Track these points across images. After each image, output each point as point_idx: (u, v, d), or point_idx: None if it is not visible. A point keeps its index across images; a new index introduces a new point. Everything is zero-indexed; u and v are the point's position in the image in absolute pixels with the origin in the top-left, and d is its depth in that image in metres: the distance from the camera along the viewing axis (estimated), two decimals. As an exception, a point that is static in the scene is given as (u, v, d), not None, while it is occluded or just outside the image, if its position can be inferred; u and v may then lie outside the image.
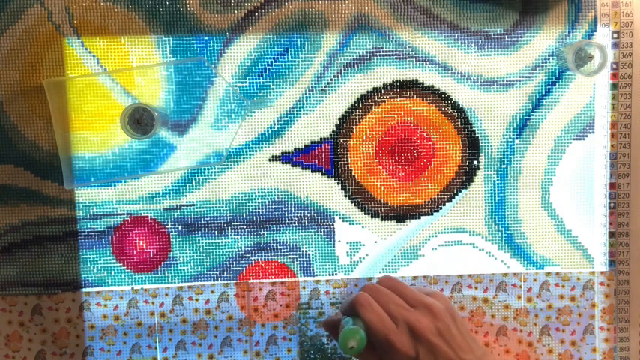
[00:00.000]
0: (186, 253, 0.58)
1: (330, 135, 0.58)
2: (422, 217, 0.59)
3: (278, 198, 0.58)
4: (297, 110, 0.58)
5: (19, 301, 0.57)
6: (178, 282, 0.58)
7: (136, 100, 0.56)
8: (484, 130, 0.59)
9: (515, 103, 0.59)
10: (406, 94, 0.58)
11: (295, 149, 0.58)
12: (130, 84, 0.56)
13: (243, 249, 0.59)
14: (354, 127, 0.58)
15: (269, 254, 0.59)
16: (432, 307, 0.49)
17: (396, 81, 0.58)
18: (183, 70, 0.56)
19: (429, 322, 0.48)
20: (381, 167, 0.59)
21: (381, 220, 0.59)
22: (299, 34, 0.57)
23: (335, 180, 0.59)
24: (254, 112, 0.58)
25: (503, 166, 0.59)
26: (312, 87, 0.58)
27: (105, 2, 0.55)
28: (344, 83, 0.58)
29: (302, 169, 0.58)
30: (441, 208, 0.59)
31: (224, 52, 0.57)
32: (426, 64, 0.58)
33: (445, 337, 0.48)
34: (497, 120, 0.59)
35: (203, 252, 0.58)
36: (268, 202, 0.58)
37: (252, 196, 0.58)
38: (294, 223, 0.59)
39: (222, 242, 0.58)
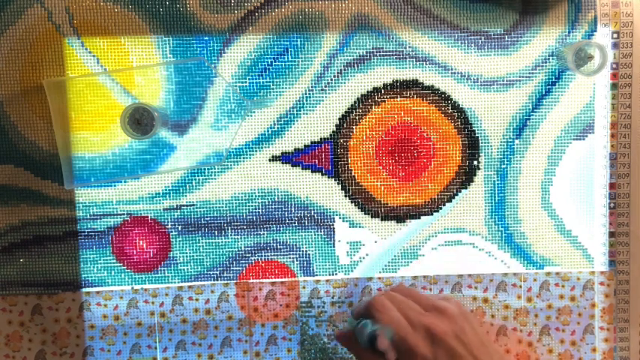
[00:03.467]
0: (186, 253, 0.58)
1: (330, 135, 0.58)
2: (422, 217, 0.59)
3: (278, 198, 0.58)
4: (297, 110, 0.58)
5: (19, 301, 0.57)
6: (178, 282, 0.58)
7: (136, 100, 0.56)
8: (484, 130, 0.59)
9: (515, 103, 0.59)
10: (406, 94, 0.58)
11: (295, 149, 0.58)
12: (130, 84, 0.56)
13: (243, 249, 0.59)
14: (354, 127, 0.58)
15: (269, 254, 0.59)
16: (446, 311, 0.49)
17: (396, 81, 0.58)
18: (183, 70, 0.56)
19: (445, 325, 0.49)
20: (381, 167, 0.59)
21: (381, 220, 0.59)
22: (299, 34, 0.57)
23: (335, 180, 0.59)
24: (254, 112, 0.58)
25: (503, 166, 0.59)
26: (312, 87, 0.58)
27: (105, 2, 0.55)
28: (344, 83, 0.58)
29: (302, 169, 0.58)
30: (441, 208, 0.59)
31: (224, 52, 0.57)
32: (426, 64, 0.58)
33: (462, 340, 0.48)
34: (497, 120, 0.59)
35: (203, 252, 0.58)
36: (268, 202, 0.58)
37: (252, 196, 0.58)
38: (294, 223, 0.59)
39: (222, 242, 0.58)
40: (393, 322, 0.49)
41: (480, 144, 0.59)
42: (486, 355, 0.48)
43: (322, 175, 0.59)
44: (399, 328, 0.49)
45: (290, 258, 0.59)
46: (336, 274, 0.59)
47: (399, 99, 0.58)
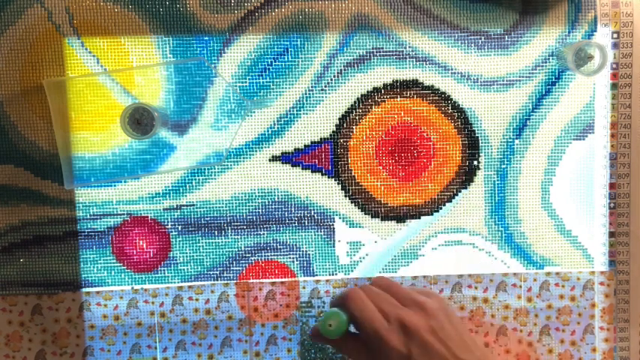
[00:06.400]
0: (186, 253, 0.58)
1: (330, 135, 0.58)
2: (422, 217, 0.59)
3: (278, 198, 0.58)
4: (297, 110, 0.58)
5: (19, 301, 0.58)
6: (178, 282, 0.58)
7: (136, 100, 0.56)
8: (484, 130, 0.59)
9: (515, 103, 0.59)
10: (406, 94, 0.58)
11: (295, 149, 0.58)
12: (130, 84, 0.56)
13: (243, 249, 0.59)
14: (354, 127, 0.58)
15: (269, 254, 0.59)
16: (425, 305, 0.48)
17: (396, 81, 0.58)
18: (183, 70, 0.56)
19: (421, 319, 0.47)
20: (381, 167, 0.59)
21: (381, 220, 0.59)
22: (299, 34, 0.57)
23: (335, 180, 0.59)
24: (254, 112, 0.58)
25: (503, 166, 0.59)
26: (312, 87, 0.58)
27: (105, 2, 0.55)
28: (344, 83, 0.58)
29: (302, 169, 0.58)
30: (441, 208, 0.59)
31: (224, 52, 0.57)
32: (426, 64, 0.58)
33: (439, 336, 0.46)
34: (497, 120, 0.59)
35: (203, 252, 0.58)
36: (268, 202, 0.58)
37: (252, 196, 0.58)
38: (294, 223, 0.59)
39: (222, 242, 0.58)
40: (367, 314, 0.48)
41: (480, 144, 0.59)
42: (466, 351, 0.46)
43: (322, 175, 0.59)
44: (372, 321, 0.47)
45: (290, 258, 0.59)
46: (336, 274, 0.59)
47: (399, 99, 0.58)
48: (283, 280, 0.59)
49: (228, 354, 0.59)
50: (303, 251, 0.59)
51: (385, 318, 0.47)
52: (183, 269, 0.58)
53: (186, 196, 0.58)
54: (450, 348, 0.46)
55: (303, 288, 0.59)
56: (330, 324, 0.49)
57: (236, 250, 0.59)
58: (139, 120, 0.54)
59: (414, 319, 0.47)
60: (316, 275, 0.59)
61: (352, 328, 0.51)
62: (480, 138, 0.59)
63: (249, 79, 0.57)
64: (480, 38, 0.58)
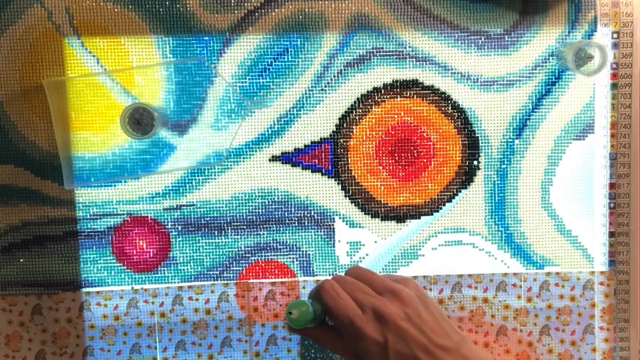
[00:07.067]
0: (186, 253, 0.58)
1: (330, 135, 0.58)
2: (422, 217, 0.59)
3: (278, 198, 0.58)
4: (297, 110, 0.58)
5: (19, 301, 0.58)
6: (178, 282, 0.58)
7: (136, 100, 0.56)
8: (484, 130, 0.59)
9: (515, 103, 0.59)
10: (406, 94, 0.58)
11: (295, 149, 0.58)
12: (130, 84, 0.56)
13: (243, 249, 0.59)
14: (354, 127, 0.58)
15: (269, 254, 0.59)
16: (400, 293, 0.48)
17: (396, 81, 0.58)
18: (183, 70, 0.56)
19: (396, 307, 0.47)
20: (381, 167, 0.59)
21: (381, 220, 0.59)
22: (299, 34, 0.57)
23: (335, 180, 0.59)
24: (254, 112, 0.58)
25: (503, 166, 0.59)
26: (312, 87, 0.58)
27: (105, 2, 0.55)
28: (344, 83, 0.58)
29: (302, 169, 0.58)
30: (441, 208, 0.59)
31: (224, 52, 0.57)
32: (426, 64, 0.58)
33: (415, 322, 0.46)
34: (497, 120, 0.59)
35: (203, 252, 0.58)
36: (268, 202, 0.58)
37: (252, 196, 0.58)
38: (294, 223, 0.59)
39: (222, 242, 0.58)
40: (340, 304, 0.48)
41: (480, 144, 0.59)
42: (444, 337, 0.46)
43: (322, 175, 0.59)
44: (346, 311, 0.47)
45: (290, 258, 0.59)
46: (336, 274, 0.59)
47: (399, 99, 0.58)
48: (283, 280, 0.59)
49: (228, 354, 0.59)
50: (303, 251, 0.59)
51: (360, 307, 0.47)
52: (183, 269, 0.58)
53: (186, 196, 0.58)
54: (426, 334, 0.46)
55: (303, 288, 0.59)
56: (291, 312, 0.49)
57: (236, 250, 0.59)
58: (139, 120, 0.54)
59: (388, 307, 0.47)
60: (316, 275, 0.59)
61: (330, 321, 0.51)
62: (479, 138, 0.59)
63: (249, 79, 0.57)
64: (480, 38, 0.58)
